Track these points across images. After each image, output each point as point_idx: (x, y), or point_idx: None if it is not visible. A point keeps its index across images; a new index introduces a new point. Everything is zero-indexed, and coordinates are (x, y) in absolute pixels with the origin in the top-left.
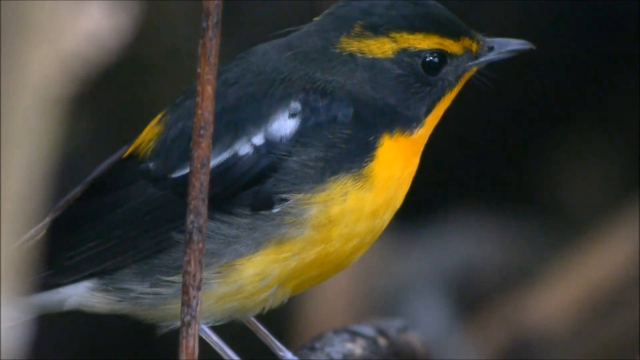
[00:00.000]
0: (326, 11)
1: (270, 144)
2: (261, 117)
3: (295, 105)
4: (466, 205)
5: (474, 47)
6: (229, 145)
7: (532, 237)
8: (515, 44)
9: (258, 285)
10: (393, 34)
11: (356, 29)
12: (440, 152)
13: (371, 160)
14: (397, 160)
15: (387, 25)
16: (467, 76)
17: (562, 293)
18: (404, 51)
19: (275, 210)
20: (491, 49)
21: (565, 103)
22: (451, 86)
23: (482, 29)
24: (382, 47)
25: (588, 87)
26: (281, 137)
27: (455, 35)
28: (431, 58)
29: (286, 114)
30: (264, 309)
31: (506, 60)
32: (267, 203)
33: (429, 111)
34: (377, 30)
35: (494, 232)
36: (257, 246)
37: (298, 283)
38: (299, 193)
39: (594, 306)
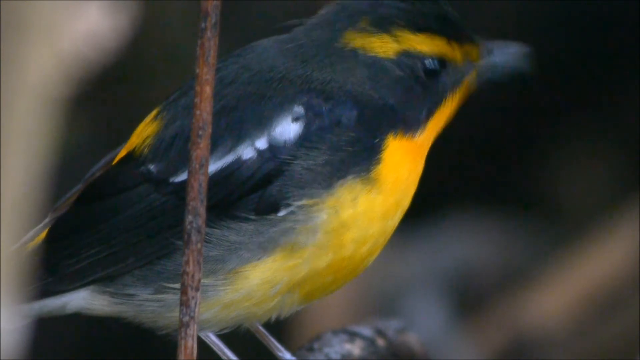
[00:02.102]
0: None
1: (274, 148)
2: (263, 120)
3: (299, 109)
4: (465, 206)
5: (475, 51)
6: (232, 148)
7: (532, 237)
8: (513, 47)
9: (267, 292)
10: (396, 32)
11: (362, 23)
12: (439, 153)
13: (378, 163)
14: (403, 163)
15: (393, 19)
16: (467, 80)
17: (561, 293)
18: (405, 53)
19: (280, 214)
20: (490, 52)
21: (565, 103)
22: (452, 90)
23: (481, 29)
24: (384, 47)
25: (587, 87)
26: (285, 141)
27: (460, 39)
28: (431, 62)
29: (289, 118)
30: (271, 317)
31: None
32: (272, 207)
33: (429, 114)
34: (381, 26)
35: (493, 233)
36: (263, 252)
37: (310, 291)
38: (307, 198)
39: (593, 306)
